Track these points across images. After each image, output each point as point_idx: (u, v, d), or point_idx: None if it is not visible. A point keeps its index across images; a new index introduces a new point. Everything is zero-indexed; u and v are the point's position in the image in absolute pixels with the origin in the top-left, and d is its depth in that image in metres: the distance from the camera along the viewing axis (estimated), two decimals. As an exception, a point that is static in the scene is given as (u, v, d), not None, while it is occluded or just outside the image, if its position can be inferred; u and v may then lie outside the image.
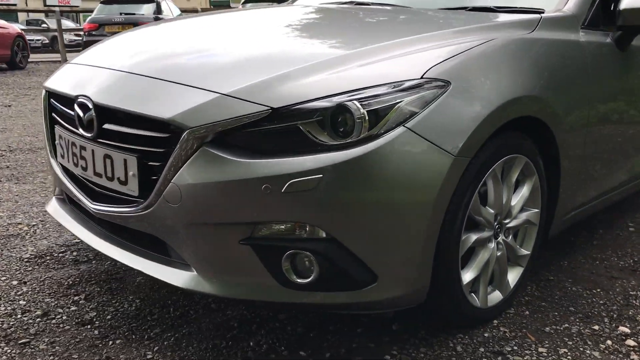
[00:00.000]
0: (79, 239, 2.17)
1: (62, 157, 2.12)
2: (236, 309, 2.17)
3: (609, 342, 2.05)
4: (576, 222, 2.64)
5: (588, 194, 2.51)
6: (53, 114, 2.23)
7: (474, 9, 2.50)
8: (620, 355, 1.98)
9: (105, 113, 1.87)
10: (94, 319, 2.10)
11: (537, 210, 2.20)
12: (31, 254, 2.62)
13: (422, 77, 1.73)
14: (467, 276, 1.97)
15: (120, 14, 12.87)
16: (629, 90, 2.59)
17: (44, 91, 2.30)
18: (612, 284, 2.50)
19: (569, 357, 1.95)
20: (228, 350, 1.93)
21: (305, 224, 1.67)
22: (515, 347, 1.99)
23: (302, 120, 1.64)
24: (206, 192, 1.67)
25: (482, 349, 1.97)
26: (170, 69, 1.90)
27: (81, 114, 1.92)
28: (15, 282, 2.36)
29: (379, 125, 1.64)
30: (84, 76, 2.09)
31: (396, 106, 1.66)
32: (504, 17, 2.28)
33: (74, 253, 2.64)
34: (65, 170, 2.17)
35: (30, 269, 2.49)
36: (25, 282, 2.36)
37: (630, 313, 2.26)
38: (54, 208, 2.35)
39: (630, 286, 2.48)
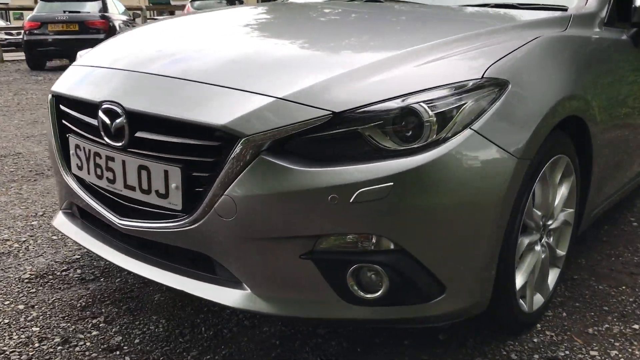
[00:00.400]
0: (98, 256, 1.99)
1: (80, 168, 1.94)
2: (272, 325, 2.05)
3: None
4: (598, 217, 2.64)
5: (612, 187, 2.52)
6: (64, 122, 2.04)
7: (497, 5, 2.44)
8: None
9: (138, 120, 1.71)
10: (122, 344, 1.93)
11: (572, 209, 2.18)
12: (31, 274, 2.41)
13: (482, 77, 1.66)
14: (518, 281, 1.91)
15: (64, 11, 12.29)
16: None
17: (50, 96, 2.10)
18: (634, 280, 2.51)
19: (621, 359, 1.92)
20: (277, 371, 1.81)
21: (372, 235, 1.57)
22: (567, 352, 1.95)
23: (364, 124, 1.54)
24: (264, 204, 1.54)
25: (536, 356, 1.92)
26: (208, 71, 1.75)
27: (108, 121, 1.75)
28: (21, 306, 2.16)
29: (446, 128, 1.56)
30: (103, 79, 1.91)
31: (462, 108, 1.59)
32: (534, 15, 2.23)
33: (78, 271, 2.44)
34: (82, 182, 1.98)
35: (33, 290, 2.28)
36: (32, 306, 2.16)
37: (661, 310, 2.26)
38: (63, 223, 2.16)
39: (652, 282, 2.49)
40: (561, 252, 2.20)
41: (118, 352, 1.89)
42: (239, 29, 2.34)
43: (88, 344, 1.93)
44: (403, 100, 1.56)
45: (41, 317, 2.09)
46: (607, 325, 2.13)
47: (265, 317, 2.04)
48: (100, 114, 1.78)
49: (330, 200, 1.51)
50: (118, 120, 1.73)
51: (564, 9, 2.34)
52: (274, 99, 1.58)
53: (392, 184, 1.50)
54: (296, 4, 2.94)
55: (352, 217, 1.53)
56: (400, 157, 1.52)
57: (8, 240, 2.76)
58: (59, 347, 1.90)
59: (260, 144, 1.54)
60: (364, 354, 1.90)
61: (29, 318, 2.08)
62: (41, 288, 2.30)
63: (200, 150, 1.62)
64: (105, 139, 1.78)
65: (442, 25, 2.19)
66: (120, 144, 1.75)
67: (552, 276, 2.18)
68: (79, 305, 2.17)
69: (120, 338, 1.96)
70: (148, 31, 2.41)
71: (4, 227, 2.93)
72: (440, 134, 1.55)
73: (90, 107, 1.86)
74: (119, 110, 1.73)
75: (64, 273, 2.42)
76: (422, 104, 1.55)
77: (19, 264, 2.50)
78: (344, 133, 1.55)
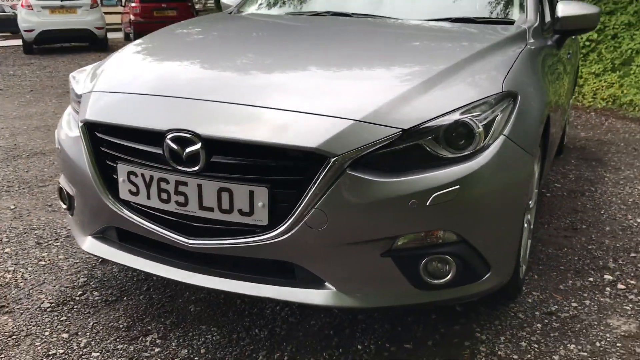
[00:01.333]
0: (151, 275, 2.10)
1: (134, 194, 1.99)
2: (317, 318, 2.27)
3: (608, 289, 2.58)
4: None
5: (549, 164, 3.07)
6: (103, 149, 2.07)
7: (457, 20, 2.82)
8: (621, 297, 2.51)
9: (215, 146, 1.84)
10: (191, 356, 2.05)
11: (536, 189, 2.64)
12: (50, 303, 2.37)
13: (502, 91, 2.02)
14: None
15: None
16: (564, 75, 3.18)
17: (81, 124, 2.11)
18: (570, 242, 3.07)
19: (594, 306, 2.43)
20: (346, 357, 2.05)
21: (439, 231, 1.87)
22: (556, 306, 2.41)
23: (424, 137, 1.83)
24: (353, 213, 1.78)
25: (537, 312, 2.35)
26: (277, 97, 1.92)
27: (177, 148, 1.85)
28: (65, 335, 2.16)
29: (488, 136, 1.90)
30: (160, 107, 1.98)
31: (496, 118, 1.93)
32: (504, 31, 2.62)
33: (95, 293, 2.46)
34: (132, 207, 2.04)
35: (64, 318, 2.27)
36: (76, 333, 2.17)
37: (601, 263, 2.82)
38: (95, 246, 2.19)
39: (583, 241, 3.07)
40: (531, 226, 2.67)
41: (193, 364, 2.01)
42: (275, 49, 2.48)
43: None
44: (454, 115, 1.86)
45: (92, 342, 2.12)
46: (570, 282, 2.64)
47: (347, 311, 2.27)
48: (168, 142, 1.86)
49: (411, 205, 1.78)
50: (193, 147, 1.84)
51: (511, 22, 2.79)
52: (354, 121, 1.80)
53: (458, 186, 1.81)
54: (312, 22, 3.05)
55: (427, 217, 1.82)
56: (459, 164, 1.84)
57: (-6, 271, 2.65)
58: (138, 366, 1.98)
59: (345, 162, 1.76)
60: (405, 332, 2.21)
61: (81, 345, 2.10)
62: (70, 315, 2.29)
63: (287, 170, 1.80)
64: (175, 165, 1.88)
65: (447, 43, 2.52)
66: (194, 169, 1.86)
67: (528, 247, 2.64)
68: (121, 326, 2.22)
69: (186, 351, 2.08)
70: (164, 51, 2.48)
71: (-25, 258, 2.79)
72: (486, 142, 1.89)
73: (148, 135, 1.93)
74: (192, 137, 1.84)
75: (83, 297, 2.42)
76: (471, 117, 1.87)
77: (28, 295, 2.44)
78: (410, 146, 1.82)
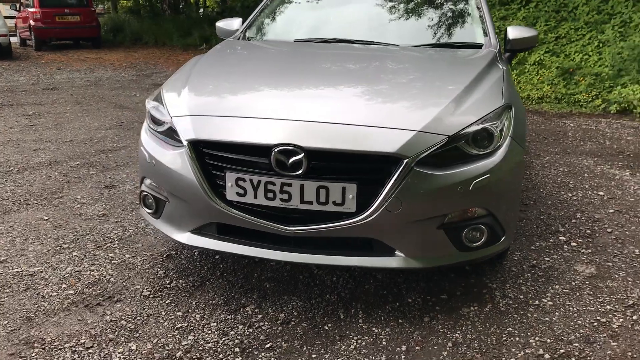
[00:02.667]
0: (255, 258, 2.67)
1: (241, 195, 2.55)
2: (368, 282, 2.93)
3: (565, 246, 3.45)
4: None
5: None
6: (207, 160, 2.59)
7: (440, 45, 3.58)
8: (576, 251, 3.38)
9: (314, 155, 2.45)
10: (289, 318, 2.64)
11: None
12: (148, 292, 2.85)
13: (504, 104, 2.78)
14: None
15: None
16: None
17: (186, 142, 2.62)
18: (526, 215, 3.93)
19: (561, 259, 3.28)
20: (403, 308, 2.73)
21: (475, 208, 2.60)
22: (535, 261, 3.23)
23: (460, 141, 2.55)
24: (419, 198, 2.47)
25: (524, 266, 3.16)
26: (354, 116, 2.57)
27: (283, 158, 2.45)
28: (179, 313, 2.67)
29: (502, 138, 2.65)
30: (264, 128, 2.54)
31: (504, 124, 2.69)
32: (481, 54, 3.40)
33: (180, 281, 2.96)
34: (236, 206, 2.58)
35: (169, 301, 2.77)
36: (187, 311, 2.69)
37: (554, 228, 3.70)
38: (195, 239, 2.70)
39: (535, 214, 3.94)
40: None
41: (292, 323, 2.61)
42: (321, 74, 3.16)
43: (267, 324, 2.60)
44: (481, 124, 2.60)
45: (205, 316, 2.65)
46: (537, 243, 3.48)
47: (411, 272, 2.97)
48: (276, 154, 2.45)
49: (459, 190, 2.49)
50: (297, 157, 2.44)
51: (480, 45, 3.59)
52: (416, 131, 2.49)
53: (488, 175, 2.55)
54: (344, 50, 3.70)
55: (469, 198, 2.54)
56: (486, 159, 2.58)
57: (85, 272, 3.07)
58: (260, 324, 2.54)
59: (413, 161, 2.44)
60: (437, 287, 2.92)
61: (197, 319, 2.63)
62: (172, 299, 2.80)
63: (370, 170, 2.45)
64: (280, 170, 2.47)
65: (451, 67, 3.26)
66: (297, 173, 2.46)
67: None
68: (220, 302, 2.77)
69: (283, 314, 2.67)
70: (230, 76, 3.07)
71: (38, 262, 3.17)
72: (500, 142, 2.64)
73: (256, 149, 2.50)
74: (296, 149, 2.43)
75: (173, 285, 2.92)
76: (491, 125, 2.61)
77: (124, 287, 2.90)
78: (452, 147, 2.53)
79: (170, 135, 2.77)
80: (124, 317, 2.64)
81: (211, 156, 2.61)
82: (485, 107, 2.72)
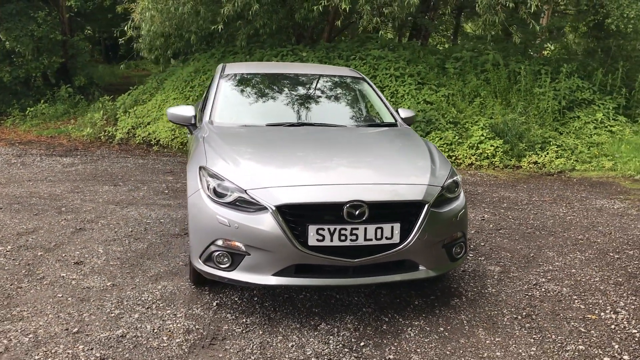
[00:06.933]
0: (326, 287, 3.66)
1: (320, 241, 3.54)
2: (382, 293, 4.10)
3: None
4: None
5: None
6: (288, 217, 3.54)
7: (372, 124, 4.98)
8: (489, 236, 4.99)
9: (371, 205, 3.59)
10: (358, 326, 3.68)
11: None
12: (239, 329, 3.60)
13: (450, 164, 4.27)
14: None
15: None
16: None
17: (273, 207, 3.53)
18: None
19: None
20: (413, 306, 3.98)
21: (458, 232, 3.99)
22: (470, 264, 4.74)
23: (445, 189, 3.95)
24: (435, 228, 3.78)
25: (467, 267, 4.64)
26: (381, 177, 3.79)
27: (352, 210, 3.55)
28: (294, 337, 3.51)
29: (459, 188, 4.13)
30: (331, 191, 3.60)
31: (459, 180, 4.17)
32: (406, 129, 4.89)
33: (251, 318, 3.76)
34: (315, 249, 3.56)
35: (268, 332, 3.57)
36: (298, 337, 3.54)
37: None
38: (278, 280, 3.60)
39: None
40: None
41: (361, 329, 3.65)
42: (324, 150, 4.36)
43: (345, 332, 3.60)
44: (454, 179, 4.03)
45: (302, 336, 3.54)
46: (452, 258, 5.01)
47: (429, 279, 4.09)
48: (347, 208, 3.54)
49: (453, 220, 3.88)
50: (361, 209, 3.56)
51: (395, 124, 5.10)
52: (427, 185, 3.81)
53: (463, 209, 3.99)
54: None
55: (456, 226, 3.94)
56: (458, 199, 4.02)
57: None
58: (342, 333, 3.53)
59: (430, 205, 3.75)
60: (421, 292, 4.22)
61: (296, 339, 3.51)
62: (264, 329, 3.60)
63: (407, 212, 3.69)
64: (349, 219, 3.55)
65: (405, 139, 4.64)
66: (362, 219, 3.57)
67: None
68: (298, 325, 3.66)
69: (350, 325, 3.69)
70: (274, 154, 4.08)
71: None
72: (458, 191, 4.10)
73: (331, 206, 3.54)
74: (361, 203, 3.56)
75: (248, 321, 3.71)
76: (456, 177, 4.07)
77: (217, 329, 3.59)
78: (441, 194, 3.91)
79: (241, 203, 3.64)
80: (245, 347, 3.40)
81: (292, 214, 3.57)
82: (447, 166, 4.18)
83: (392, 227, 3.64)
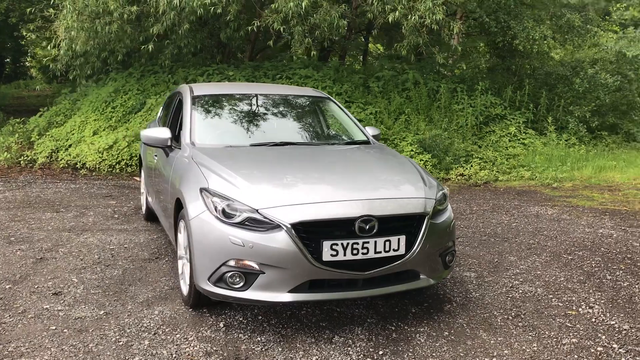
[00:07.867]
0: (339, 299, 3.78)
1: (334, 256, 3.65)
2: (379, 304, 4.27)
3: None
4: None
5: None
6: (302, 234, 3.62)
7: (350, 142, 5.17)
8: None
9: (380, 219, 3.76)
10: (371, 336, 3.82)
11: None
12: (259, 348, 3.62)
13: (438, 179, 4.55)
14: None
15: None
16: None
17: (288, 225, 3.60)
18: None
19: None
20: (410, 313, 4.18)
21: (450, 241, 4.25)
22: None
23: (436, 202, 4.21)
24: (434, 239, 4.02)
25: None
26: (385, 192, 3.97)
27: (364, 224, 3.70)
28: (315, 350, 3.57)
29: (447, 201, 4.40)
30: (342, 206, 3.72)
31: (447, 192, 4.45)
32: (385, 147, 5.11)
33: (264, 336, 3.78)
34: (328, 264, 3.67)
35: (288, 347, 3.62)
36: (318, 351, 3.60)
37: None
38: (295, 297, 3.67)
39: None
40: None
41: (373, 337, 3.79)
42: (325, 169, 4.49)
43: (362, 343, 3.72)
44: (443, 192, 4.30)
45: (320, 347, 3.62)
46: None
47: (429, 287, 4.29)
48: (359, 223, 3.69)
49: (447, 230, 4.14)
50: (371, 223, 3.72)
51: (368, 142, 5.32)
52: (424, 198, 4.04)
53: (453, 220, 4.26)
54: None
55: (449, 235, 4.20)
56: (446, 211, 4.29)
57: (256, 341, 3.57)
58: (358, 343, 3.65)
59: (429, 216, 3.98)
60: (415, 300, 4.43)
61: (316, 350, 3.59)
62: (283, 346, 3.64)
63: (409, 225, 3.89)
64: (361, 234, 3.70)
65: (386, 156, 4.84)
66: (372, 233, 3.73)
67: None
68: (313, 340, 3.74)
69: (362, 336, 3.82)
70: (280, 175, 4.14)
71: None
72: (447, 202, 4.38)
73: (344, 221, 3.67)
74: (371, 218, 3.72)
75: (264, 339, 3.74)
76: (444, 190, 4.34)
77: (236, 349, 3.59)
78: (436, 206, 4.16)
79: (251, 222, 3.69)
80: (267, 365, 3.43)
81: (306, 231, 3.66)
82: (434, 180, 4.44)
83: (399, 240, 3.82)
